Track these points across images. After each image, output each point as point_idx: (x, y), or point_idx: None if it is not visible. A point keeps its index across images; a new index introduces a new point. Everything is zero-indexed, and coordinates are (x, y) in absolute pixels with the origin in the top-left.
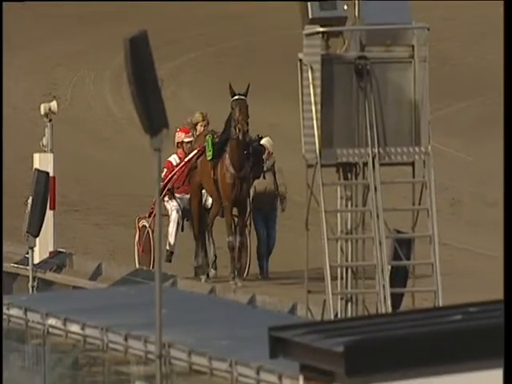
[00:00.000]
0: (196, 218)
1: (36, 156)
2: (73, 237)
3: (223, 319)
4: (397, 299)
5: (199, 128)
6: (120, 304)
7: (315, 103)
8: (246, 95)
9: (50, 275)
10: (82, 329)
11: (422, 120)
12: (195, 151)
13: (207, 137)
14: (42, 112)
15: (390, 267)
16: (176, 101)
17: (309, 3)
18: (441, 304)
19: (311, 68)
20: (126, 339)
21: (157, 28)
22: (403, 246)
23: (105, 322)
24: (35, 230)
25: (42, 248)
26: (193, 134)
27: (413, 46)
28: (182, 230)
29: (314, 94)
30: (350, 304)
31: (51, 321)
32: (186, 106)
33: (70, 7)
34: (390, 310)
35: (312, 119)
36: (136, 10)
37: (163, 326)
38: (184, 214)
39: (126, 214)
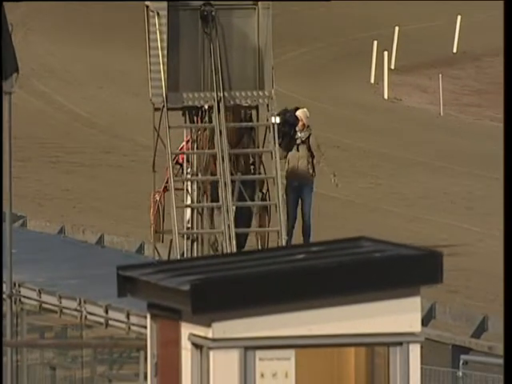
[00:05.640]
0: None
1: None
2: None
3: (72, 259)
4: (241, 239)
5: None
6: None
7: (161, 48)
8: None
9: None
10: None
11: (265, 65)
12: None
13: None
14: None
15: (234, 208)
16: (26, 46)
17: None
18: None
19: (158, 14)
20: None
21: None
22: (248, 188)
23: None
24: None
25: None
26: None
27: None
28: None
29: (161, 40)
30: (195, 244)
31: None
32: (35, 52)
33: None
34: (234, 249)
35: (159, 64)
36: None
37: (13, 266)
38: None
39: None
